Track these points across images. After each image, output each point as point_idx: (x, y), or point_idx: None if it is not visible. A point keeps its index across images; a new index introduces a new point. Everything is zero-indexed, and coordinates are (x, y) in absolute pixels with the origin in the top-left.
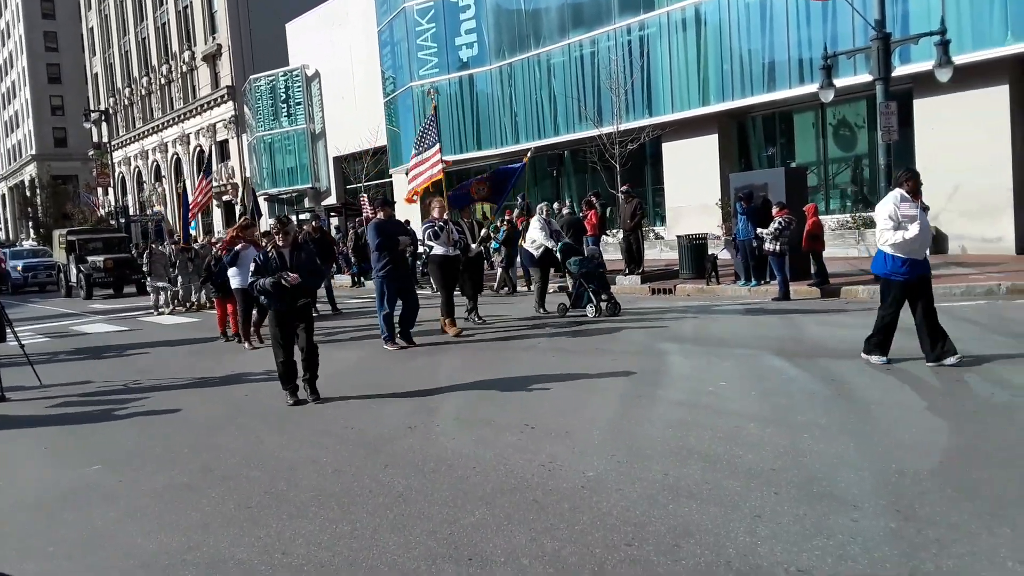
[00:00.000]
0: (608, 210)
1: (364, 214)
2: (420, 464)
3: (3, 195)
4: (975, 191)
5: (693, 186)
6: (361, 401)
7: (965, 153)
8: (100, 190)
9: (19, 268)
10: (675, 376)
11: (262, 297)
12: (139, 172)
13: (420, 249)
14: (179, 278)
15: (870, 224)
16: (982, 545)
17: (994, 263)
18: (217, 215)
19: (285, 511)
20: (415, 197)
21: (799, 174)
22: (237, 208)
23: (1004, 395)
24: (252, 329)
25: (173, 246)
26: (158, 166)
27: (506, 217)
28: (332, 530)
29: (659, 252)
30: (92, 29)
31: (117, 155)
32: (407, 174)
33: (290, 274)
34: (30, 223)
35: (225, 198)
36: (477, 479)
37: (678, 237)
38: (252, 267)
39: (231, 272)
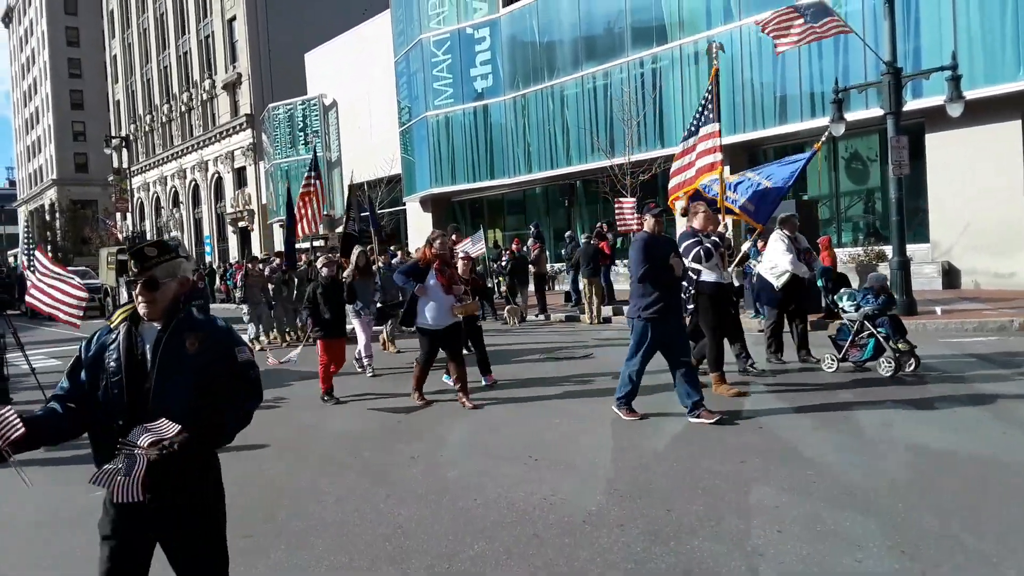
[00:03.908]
0: (619, 240)
1: (621, 225)
2: (423, 494)
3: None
4: (988, 226)
5: None
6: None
7: (977, 187)
8: (118, 215)
9: None
10: (678, 408)
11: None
12: (157, 198)
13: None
14: (275, 306)
15: (883, 257)
16: None
17: (1007, 299)
18: (232, 240)
19: (284, 541)
20: (681, 194)
21: (810, 207)
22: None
23: (1017, 433)
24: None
25: (270, 267)
26: (176, 192)
27: (513, 247)
28: (330, 560)
29: None
30: (115, 57)
31: (136, 181)
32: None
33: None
34: (49, 247)
35: (241, 224)
36: (479, 511)
37: None
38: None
39: (427, 306)
